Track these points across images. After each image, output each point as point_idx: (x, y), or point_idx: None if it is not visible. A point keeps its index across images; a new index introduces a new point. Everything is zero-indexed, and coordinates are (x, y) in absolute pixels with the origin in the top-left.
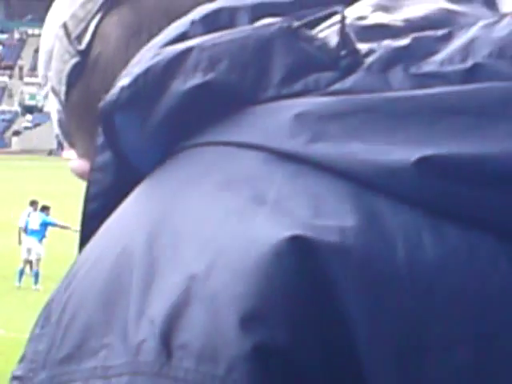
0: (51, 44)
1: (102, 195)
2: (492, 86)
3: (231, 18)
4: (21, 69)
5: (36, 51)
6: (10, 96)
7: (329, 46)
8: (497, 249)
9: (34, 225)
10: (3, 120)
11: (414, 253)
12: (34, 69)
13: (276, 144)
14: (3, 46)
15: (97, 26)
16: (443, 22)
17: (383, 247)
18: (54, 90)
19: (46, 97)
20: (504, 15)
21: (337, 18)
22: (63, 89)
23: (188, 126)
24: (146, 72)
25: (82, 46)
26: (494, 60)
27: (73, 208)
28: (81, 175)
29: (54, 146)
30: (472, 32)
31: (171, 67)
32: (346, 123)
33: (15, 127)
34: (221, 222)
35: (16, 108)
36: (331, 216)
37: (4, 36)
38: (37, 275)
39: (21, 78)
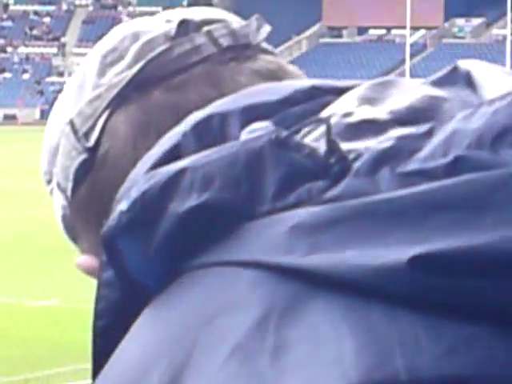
0: (56, 140)
1: (110, 311)
2: (474, 178)
3: (222, 125)
4: (69, 40)
5: (84, 22)
6: (60, 67)
7: (317, 153)
8: (494, 338)
9: None
10: (53, 91)
11: (412, 359)
12: (82, 39)
13: (273, 260)
14: (51, 17)
15: (105, 123)
16: (427, 111)
17: (383, 361)
18: (59, 186)
19: (51, 193)
20: (481, 103)
21: (324, 112)
22: (70, 185)
23: (189, 247)
24: (143, 196)
25: (90, 143)
26: (474, 150)
27: None
28: (87, 271)
29: None
30: (452, 125)
31: (167, 190)
32: (337, 231)
33: None
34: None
35: (66, 79)
36: (330, 351)
37: (52, 7)
38: None
39: (69, 50)
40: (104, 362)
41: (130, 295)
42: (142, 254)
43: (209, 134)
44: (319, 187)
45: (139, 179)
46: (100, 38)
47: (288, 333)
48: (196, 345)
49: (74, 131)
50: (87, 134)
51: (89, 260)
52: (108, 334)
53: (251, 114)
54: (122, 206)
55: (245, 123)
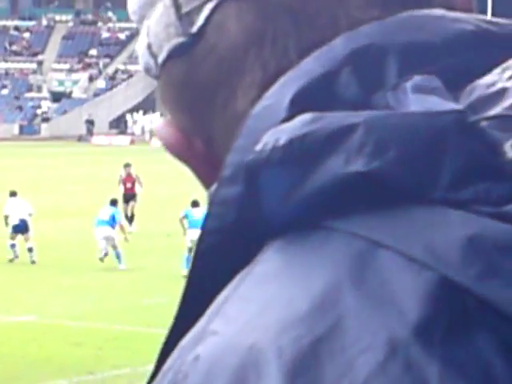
0: None
1: (221, 231)
2: None
3: (381, 62)
4: (49, 56)
5: (63, 38)
6: (39, 83)
7: (503, 149)
8: None
9: (105, 216)
10: (32, 107)
11: None
12: (61, 55)
13: (447, 271)
14: (31, 32)
15: (212, 12)
16: None
17: None
18: (149, 47)
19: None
20: None
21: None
22: (162, 56)
23: (338, 209)
24: (304, 138)
25: (194, 30)
26: None
27: (104, 192)
28: (171, 146)
29: (83, 131)
30: None
31: (332, 141)
32: None
33: (44, 114)
34: None
35: (45, 94)
36: None
37: (32, 23)
38: (118, 255)
39: (48, 65)
40: (197, 291)
41: (247, 221)
42: (283, 196)
43: (367, 68)
44: (500, 191)
45: (282, 105)
46: (80, 53)
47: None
48: (341, 321)
49: (177, 6)
50: (190, 16)
51: (173, 134)
52: (212, 254)
53: (410, 56)
54: (276, 138)
55: (404, 67)
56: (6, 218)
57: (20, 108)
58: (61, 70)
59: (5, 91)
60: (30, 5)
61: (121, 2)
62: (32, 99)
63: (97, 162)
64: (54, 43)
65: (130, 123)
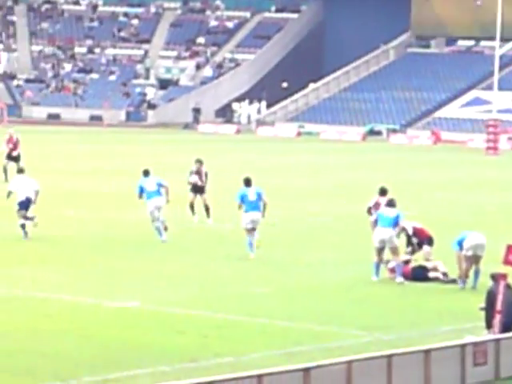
0: None
1: None
2: None
3: None
4: (156, 43)
5: (171, 25)
6: (147, 69)
7: None
8: None
9: (152, 187)
10: (139, 94)
11: None
12: (169, 43)
13: None
14: (139, 19)
15: None
16: None
17: None
18: None
19: None
20: None
21: None
22: None
23: None
24: None
25: None
26: None
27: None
28: None
29: (190, 119)
30: None
31: None
32: None
33: (151, 101)
34: None
35: (152, 81)
36: None
37: (140, 9)
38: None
39: (156, 52)
40: None
41: None
42: None
43: None
44: None
45: None
46: (187, 41)
47: None
48: None
49: None
50: None
51: None
52: None
53: None
54: None
55: None
56: (9, 193)
57: (127, 94)
58: (168, 58)
59: (112, 77)
60: None
61: None
62: (139, 86)
63: (202, 151)
64: (162, 30)
65: (236, 112)
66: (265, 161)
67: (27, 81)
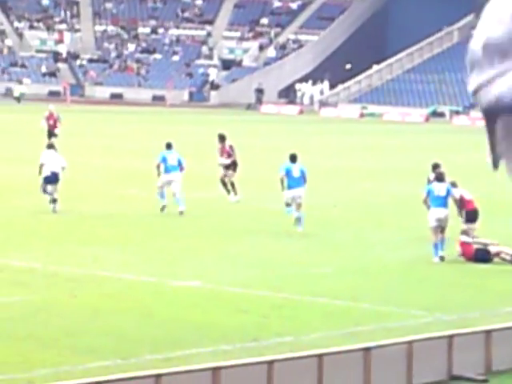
0: None
1: None
2: None
3: None
4: (220, 24)
5: (235, 6)
6: (210, 50)
7: None
8: None
9: (173, 161)
10: (202, 74)
11: None
12: (232, 23)
13: None
14: (203, 0)
15: None
16: None
17: None
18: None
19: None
20: None
21: None
22: None
23: None
24: None
25: None
26: None
27: (272, 161)
28: None
29: (252, 100)
30: None
31: None
32: None
33: (214, 81)
34: None
35: (215, 62)
36: None
37: None
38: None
39: (219, 33)
40: None
41: None
42: None
43: None
44: None
45: None
46: (251, 22)
47: None
48: None
49: None
50: None
51: None
52: None
53: None
54: None
55: None
56: (41, 166)
57: (190, 75)
58: (231, 38)
59: (176, 58)
60: None
61: None
62: (202, 66)
63: (265, 131)
64: (226, 11)
65: (299, 93)
66: (327, 142)
67: (90, 61)
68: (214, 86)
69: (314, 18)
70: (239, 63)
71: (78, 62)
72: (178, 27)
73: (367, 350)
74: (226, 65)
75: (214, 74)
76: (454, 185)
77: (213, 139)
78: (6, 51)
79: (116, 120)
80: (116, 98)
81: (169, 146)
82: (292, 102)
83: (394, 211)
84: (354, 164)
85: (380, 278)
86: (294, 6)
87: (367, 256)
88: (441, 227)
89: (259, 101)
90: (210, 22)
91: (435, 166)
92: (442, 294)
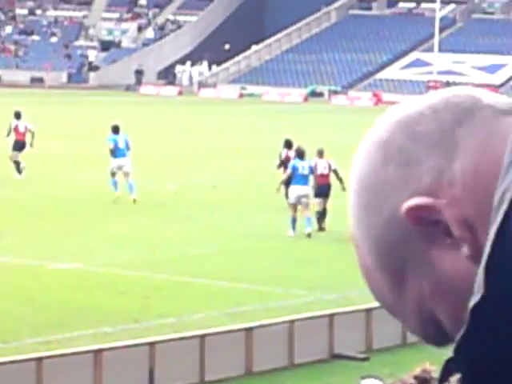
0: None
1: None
2: None
3: None
4: (98, 5)
5: None
6: (88, 31)
7: None
8: None
9: (121, 145)
10: (81, 55)
11: None
12: (111, 4)
13: None
14: None
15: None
16: None
17: None
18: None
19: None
20: None
21: None
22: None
23: None
24: None
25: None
26: None
27: (150, 142)
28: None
29: (132, 81)
30: None
31: None
32: None
33: (93, 63)
34: None
35: (94, 43)
36: None
37: None
38: (131, 186)
39: (98, 14)
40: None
41: None
42: None
43: None
44: None
45: None
46: (129, 3)
47: None
48: None
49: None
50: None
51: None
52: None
53: None
54: None
55: None
56: None
57: (69, 56)
58: (110, 19)
59: (54, 39)
60: None
61: None
62: (81, 47)
63: (144, 112)
64: None
65: (178, 74)
66: (207, 122)
67: None
68: (93, 68)
69: None
70: (118, 44)
71: None
72: (56, 8)
73: (249, 329)
74: (105, 46)
75: (92, 56)
76: (320, 154)
77: (92, 120)
78: None
79: None
80: None
81: (116, 130)
82: (171, 83)
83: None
84: (234, 144)
85: (261, 258)
86: None
87: (248, 236)
88: (304, 204)
89: (139, 82)
90: (89, 3)
91: (288, 144)
92: (323, 273)
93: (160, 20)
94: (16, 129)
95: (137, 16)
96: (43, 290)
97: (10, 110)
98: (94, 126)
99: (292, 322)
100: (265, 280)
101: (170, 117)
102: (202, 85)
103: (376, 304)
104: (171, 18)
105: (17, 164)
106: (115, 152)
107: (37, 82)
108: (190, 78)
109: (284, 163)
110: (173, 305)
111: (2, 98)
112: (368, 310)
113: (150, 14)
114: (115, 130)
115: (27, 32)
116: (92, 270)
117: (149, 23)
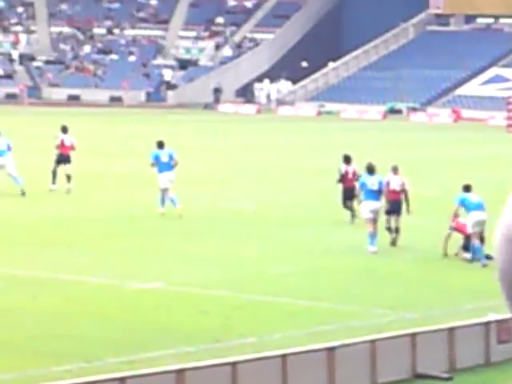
0: None
1: None
2: None
3: None
4: (175, 23)
5: (191, 5)
6: (165, 50)
7: None
8: None
9: (165, 159)
10: (159, 74)
11: None
12: (188, 23)
13: None
14: (158, 0)
15: None
16: None
17: None
18: None
19: None
20: None
21: None
22: None
23: None
24: None
25: None
26: None
27: (229, 160)
28: None
29: (210, 99)
30: None
31: None
32: None
33: (171, 81)
34: None
35: (171, 62)
36: None
37: None
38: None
39: (175, 33)
40: None
41: None
42: None
43: None
44: None
45: None
46: (206, 21)
47: None
48: None
49: None
50: None
51: None
52: None
53: None
54: None
55: None
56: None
57: (147, 75)
58: (187, 38)
59: (132, 58)
60: None
61: None
62: (159, 66)
63: (223, 130)
64: (181, 10)
65: (257, 92)
66: (285, 140)
67: (47, 62)
68: (171, 86)
69: (269, 17)
70: (195, 63)
71: (35, 63)
72: (133, 28)
73: (331, 349)
74: (183, 64)
75: (168, 75)
76: (395, 170)
77: (170, 139)
78: None
79: (74, 121)
80: (73, 99)
81: (160, 145)
82: (249, 101)
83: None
84: (312, 162)
85: (341, 276)
86: (249, 4)
87: (328, 255)
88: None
89: (217, 100)
90: (166, 22)
91: (347, 159)
92: (405, 293)
93: (237, 38)
94: (62, 142)
95: (214, 34)
96: (125, 310)
97: (89, 128)
98: (172, 144)
99: (374, 341)
100: (345, 299)
101: (248, 135)
102: (279, 102)
103: (459, 323)
104: (248, 35)
105: (54, 175)
106: (160, 167)
107: (115, 101)
108: (268, 95)
109: (343, 178)
110: (254, 324)
111: (81, 117)
112: (451, 329)
113: (228, 32)
114: (160, 145)
115: (105, 51)
116: (172, 290)
117: (226, 41)
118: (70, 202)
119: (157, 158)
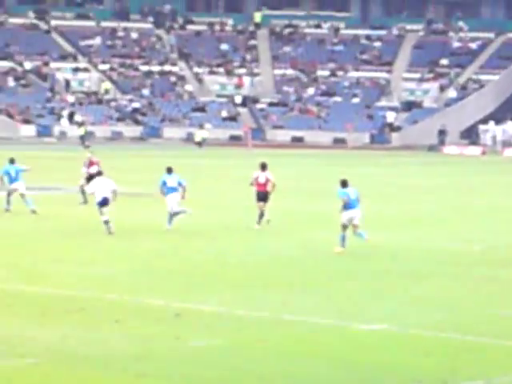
0: None
1: None
2: None
3: None
4: (399, 65)
5: (415, 47)
6: (390, 92)
7: None
8: None
9: (173, 183)
10: (382, 116)
11: None
12: (412, 65)
13: None
14: (382, 41)
15: None
16: None
17: None
18: None
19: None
20: None
21: None
22: None
23: None
24: None
25: None
26: None
27: (455, 201)
28: None
29: (434, 141)
30: None
31: None
32: None
33: (393, 123)
34: None
35: (395, 104)
36: None
37: (383, 32)
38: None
39: (399, 74)
40: None
41: None
42: None
43: None
44: None
45: None
46: (430, 63)
47: None
48: None
49: None
50: None
51: None
52: None
53: None
54: None
55: None
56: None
57: (371, 117)
58: (411, 80)
59: (356, 100)
60: (380, 14)
61: (472, 12)
62: (382, 108)
63: (447, 172)
64: (405, 52)
65: (483, 134)
66: (511, 182)
67: (270, 104)
68: (395, 128)
69: (494, 58)
70: (420, 104)
71: (258, 105)
72: (357, 70)
73: None
74: (407, 106)
75: (391, 116)
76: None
77: (395, 180)
78: (186, 97)
79: (297, 163)
80: (297, 141)
81: (169, 171)
82: (474, 142)
83: None
84: None
85: None
86: (473, 46)
87: None
88: None
89: (442, 142)
90: (390, 64)
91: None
92: None
93: (462, 79)
94: (256, 179)
95: (438, 76)
96: (349, 350)
97: (313, 170)
98: (398, 184)
99: None
100: None
101: (473, 177)
102: (505, 144)
103: None
104: (473, 77)
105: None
106: (167, 190)
107: (339, 142)
108: (494, 137)
109: None
110: (481, 367)
111: (305, 159)
112: None
113: (452, 73)
114: (168, 170)
115: (329, 93)
116: (398, 331)
117: (451, 83)
118: (293, 242)
119: (164, 183)
